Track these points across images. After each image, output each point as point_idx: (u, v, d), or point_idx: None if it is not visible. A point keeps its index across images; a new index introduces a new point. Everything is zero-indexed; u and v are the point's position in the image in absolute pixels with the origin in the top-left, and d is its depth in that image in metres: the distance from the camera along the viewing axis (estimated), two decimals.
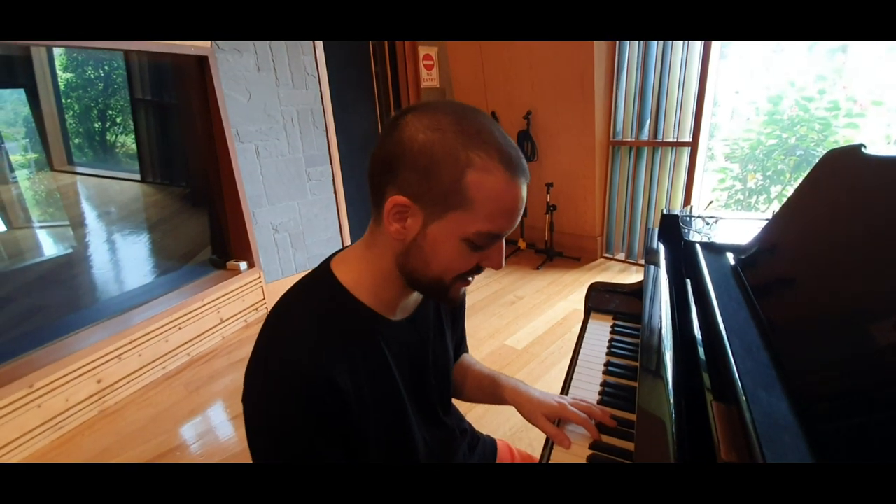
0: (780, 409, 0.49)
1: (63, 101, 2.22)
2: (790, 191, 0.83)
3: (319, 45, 2.81)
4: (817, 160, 0.81)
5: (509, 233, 0.55)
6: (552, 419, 0.76)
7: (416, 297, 0.66)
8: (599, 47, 2.88)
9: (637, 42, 2.84)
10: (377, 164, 0.53)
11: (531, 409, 0.77)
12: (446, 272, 0.55)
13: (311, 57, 2.78)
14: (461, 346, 0.91)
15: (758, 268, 0.81)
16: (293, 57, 2.69)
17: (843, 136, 3.18)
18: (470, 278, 0.58)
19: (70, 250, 2.22)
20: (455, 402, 0.91)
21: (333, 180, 3.05)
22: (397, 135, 0.51)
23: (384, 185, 0.53)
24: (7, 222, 2.00)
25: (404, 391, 0.64)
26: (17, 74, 2.02)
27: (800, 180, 0.82)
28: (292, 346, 0.53)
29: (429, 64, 3.52)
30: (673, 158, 2.92)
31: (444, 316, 0.75)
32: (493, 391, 0.83)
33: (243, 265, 2.61)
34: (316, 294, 0.59)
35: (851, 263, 0.58)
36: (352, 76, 3.20)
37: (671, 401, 0.57)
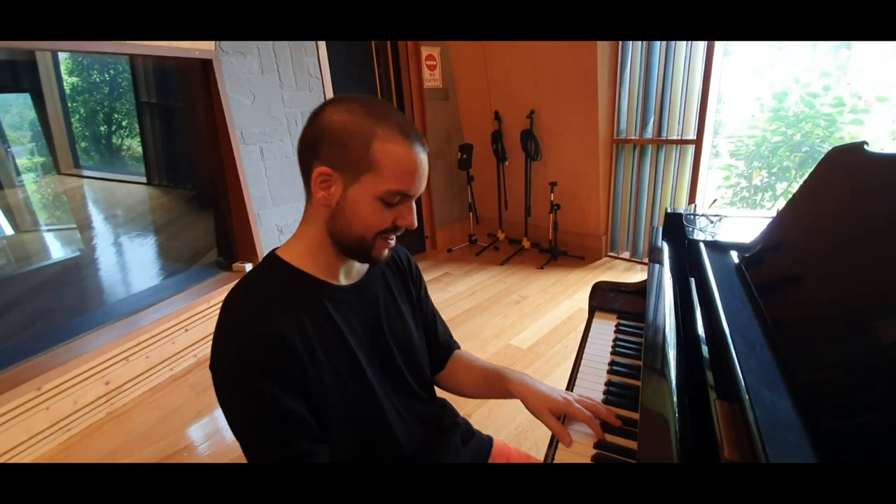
0: (783, 408, 0.49)
1: (69, 104, 2.24)
2: (796, 188, 0.82)
3: (322, 46, 2.82)
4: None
5: (417, 193, 0.65)
6: (557, 415, 0.76)
7: (358, 265, 0.74)
8: (603, 45, 2.87)
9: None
10: (304, 146, 0.64)
11: (537, 404, 0.78)
12: (367, 230, 0.64)
13: (314, 59, 2.79)
14: (448, 342, 0.93)
15: (762, 266, 0.81)
16: (296, 59, 2.70)
17: (849, 133, 3.16)
18: (390, 239, 0.68)
19: (77, 253, 2.24)
20: (457, 400, 0.92)
21: None
22: (318, 120, 0.63)
23: (310, 161, 0.64)
24: (14, 226, 2.02)
25: (360, 353, 0.70)
26: (22, 79, 2.04)
27: (805, 177, 0.82)
28: (243, 312, 0.62)
29: (431, 64, 3.52)
30: (677, 156, 2.91)
31: (395, 288, 0.80)
32: (499, 385, 0.84)
33: (248, 266, 2.63)
34: (260, 272, 0.68)
35: (856, 261, 0.58)
36: (355, 77, 3.21)
37: (675, 399, 0.57)
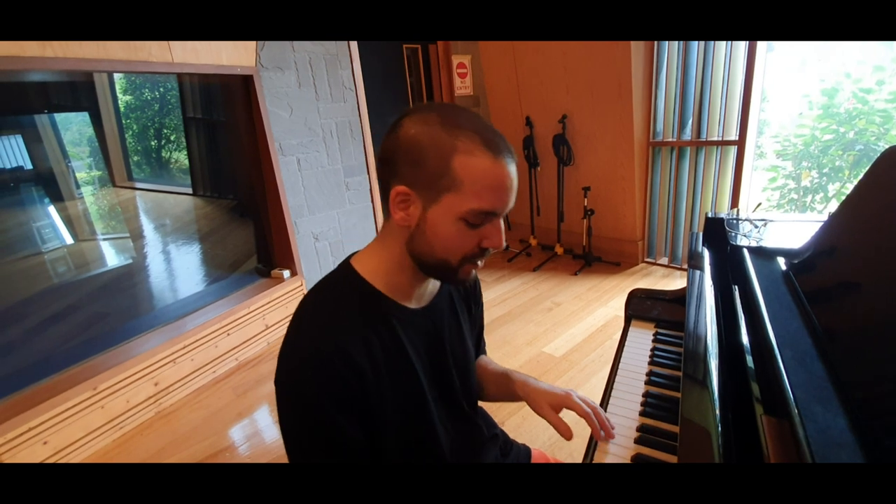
0: (837, 425, 0.46)
1: (123, 121, 2.39)
2: (849, 188, 0.78)
3: (356, 58, 2.89)
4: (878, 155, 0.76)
5: (505, 211, 0.59)
6: (557, 409, 0.75)
7: (431, 287, 0.71)
8: (637, 46, 2.81)
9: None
10: (380, 163, 0.61)
11: (536, 399, 0.77)
12: (450, 253, 0.60)
13: (348, 71, 2.87)
14: (479, 347, 0.92)
15: (812, 273, 0.77)
16: (331, 72, 2.78)
17: None
18: (479, 262, 0.62)
19: (130, 261, 2.37)
20: (488, 408, 0.91)
21: (370, 189, 3.13)
22: (394, 134, 0.58)
23: (388, 179, 0.59)
24: (74, 235, 2.16)
25: (423, 377, 0.67)
26: (81, 99, 2.20)
27: (860, 177, 0.77)
28: (314, 332, 0.60)
29: (462, 72, 3.55)
30: (718, 158, 2.80)
31: (459, 309, 0.78)
32: (506, 387, 0.84)
33: (286, 273, 2.71)
34: (334, 283, 0.66)
35: None
36: (387, 87, 3.27)
37: (717, 412, 0.55)
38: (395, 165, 0.58)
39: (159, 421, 2.02)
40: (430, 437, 0.69)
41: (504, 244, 0.61)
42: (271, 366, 2.38)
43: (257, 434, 1.90)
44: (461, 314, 0.78)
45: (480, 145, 0.55)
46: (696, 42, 2.69)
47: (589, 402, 0.76)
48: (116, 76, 2.28)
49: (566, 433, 0.72)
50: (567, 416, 0.74)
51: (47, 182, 2.06)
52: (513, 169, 0.58)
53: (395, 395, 0.63)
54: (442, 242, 0.59)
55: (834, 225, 0.78)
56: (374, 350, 0.60)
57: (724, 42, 2.58)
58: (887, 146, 0.75)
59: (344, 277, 0.65)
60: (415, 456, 0.68)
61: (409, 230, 0.60)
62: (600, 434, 0.73)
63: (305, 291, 2.93)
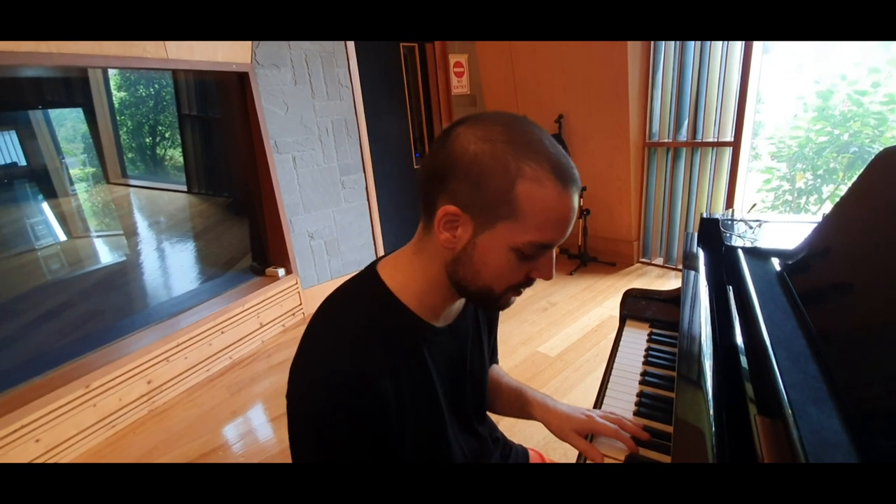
0: (831, 426, 0.46)
1: (117, 118, 2.37)
2: (844, 190, 0.78)
3: (353, 56, 2.88)
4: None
5: (561, 243, 0.54)
6: (583, 434, 0.74)
7: (458, 305, 0.66)
8: (634, 46, 2.81)
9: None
10: (429, 174, 0.54)
11: (560, 426, 0.75)
12: (496, 282, 0.55)
13: (344, 69, 2.86)
14: (493, 357, 0.90)
15: (807, 273, 0.77)
16: (328, 69, 2.77)
17: None
18: (522, 289, 0.58)
19: (123, 258, 2.36)
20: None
21: (366, 188, 3.12)
22: (449, 146, 0.52)
23: (435, 193, 0.53)
24: (67, 232, 2.15)
25: (443, 400, 0.64)
26: (75, 94, 2.18)
27: (854, 179, 0.78)
28: (337, 350, 0.54)
29: (459, 71, 3.55)
30: (713, 159, 2.81)
31: (481, 325, 0.75)
32: (520, 405, 0.82)
33: (281, 272, 2.70)
34: (362, 296, 0.60)
35: None
36: (384, 86, 3.26)
37: (711, 412, 0.55)
38: (446, 182, 0.52)
39: (152, 419, 2.01)
40: (443, 454, 0.66)
41: (554, 276, 0.56)
42: (266, 364, 2.38)
43: (251, 433, 1.89)
44: (483, 330, 0.75)
45: (550, 173, 0.49)
46: (693, 43, 2.70)
47: (611, 418, 0.74)
48: (111, 72, 2.26)
49: (597, 459, 0.70)
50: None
51: (41, 178, 2.05)
52: (576, 202, 0.53)
53: (417, 422, 0.59)
54: (490, 271, 0.54)
55: (828, 226, 0.78)
56: (400, 374, 0.56)
57: (721, 43, 2.59)
58: (881, 148, 0.75)
59: (372, 290, 0.59)
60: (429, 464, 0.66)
61: (452, 252, 0.55)
62: (636, 448, 0.70)
63: (301, 290, 2.92)
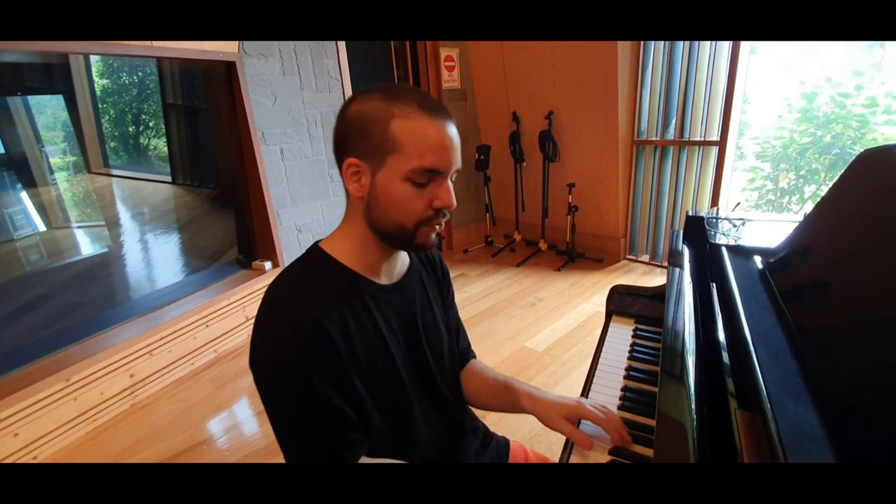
0: (807, 419, 0.47)
1: (99, 106, 2.31)
2: (825, 191, 0.80)
3: (342, 48, 2.85)
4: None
5: (449, 170, 0.61)
6: (572, 419, 0.75)
7: (399, 266, 0.74)
8: (623, 45, 2.83)
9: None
10: (335, 145, 0.64)
11: (549, 414, 0.76)
12: (404, 216, 0.62)
13: (334, 61, 2.82)
14: (466, 350, 0.92)
15: (787, 272, 0.78)
16: (317, 61, 2.74)
17: (882, 134, 3.05)
18: (437, 226, 0.65)
19: (105, 249, 2.31)
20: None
21: None
22: (342, 116, 0.63)
23: (341, 157, 0.63)
24: (47, 222, 2.09)
25: (395, 353, 0.69)
26: (55, 81, 2.12)
27: (835, 180, 0.79)
28: (285, 304, 0.61)
29: (450, 65, 3.53)
30: (700, 158, 2.84)
31: (431, 292, 0.79)
32: (507, 398, 0.83)
33: (268, 265, 2.67)
34: (304, 263, 0.68)
35: (887, 267, 0.56)
36: (374, 79, 3.23)
37: (693, 406, 0.56)
38: (345, 143, 0.62)
39: (135, 414, 1.98)
40: (406, 416, 0.71)
41: (454, 203, 0.63)
42: None
43: (236, 427, 1.87)
44: (433, 297, 0.79)
45: (417, 108, 0.59)
46: (682, 43, 2.73)
47: (600, 408, 0.75)
48: (93, 59, 2.20)
49: (587, 446, 0.71)
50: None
51: (19, 167, 1.99)
52: (451, 130, 0.61)
53: (370, 368, 0.65)
54: (395, 206, 0.61)
55: (809, 226, 0.80)
56: (348, 324, 0.62)
57: (709, 44, 2.62)
58: (862, 150, 0.77)
59: (313, 258, 0.67)
60: (393, 432, 0.69)
61: (364, 201, 0.63)
62: (619, 440, 0.72)
63: None
